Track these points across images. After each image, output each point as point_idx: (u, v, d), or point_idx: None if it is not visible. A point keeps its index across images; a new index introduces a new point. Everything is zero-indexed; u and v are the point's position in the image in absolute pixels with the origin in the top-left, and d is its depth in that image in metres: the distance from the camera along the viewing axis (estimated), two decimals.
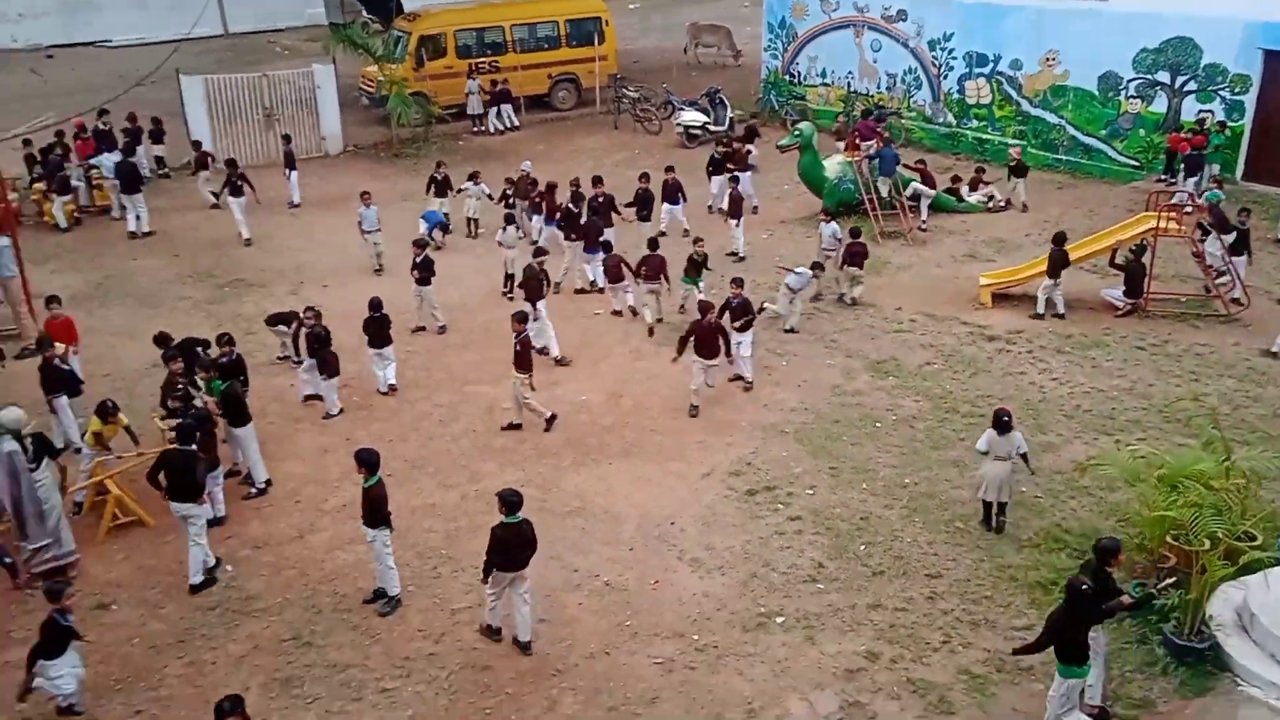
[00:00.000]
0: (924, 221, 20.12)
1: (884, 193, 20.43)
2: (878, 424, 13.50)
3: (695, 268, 16.02)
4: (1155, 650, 9.54)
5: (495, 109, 27.78)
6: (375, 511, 10.03)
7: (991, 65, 24.67)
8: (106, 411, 11.56)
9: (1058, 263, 16.26)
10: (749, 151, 22.31)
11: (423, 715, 9.10)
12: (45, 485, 10.53)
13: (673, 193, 19.32)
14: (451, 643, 9.82)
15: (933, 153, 25.04)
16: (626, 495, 12.08)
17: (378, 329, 14.18)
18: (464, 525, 11.58)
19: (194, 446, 10.52)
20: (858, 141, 21.36)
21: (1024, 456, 11.19)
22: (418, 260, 15.86)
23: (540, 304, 15.09)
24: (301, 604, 10.44)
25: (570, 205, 17.96)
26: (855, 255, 16.99)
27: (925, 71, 25.84)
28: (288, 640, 9.91)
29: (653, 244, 16.22)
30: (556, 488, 12.31)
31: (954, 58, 25.23)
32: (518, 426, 13.34)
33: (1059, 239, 16.46)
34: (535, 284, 15.11)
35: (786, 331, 15.89)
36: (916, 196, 20.48)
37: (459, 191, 20.03)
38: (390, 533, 10.19)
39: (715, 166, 21.05)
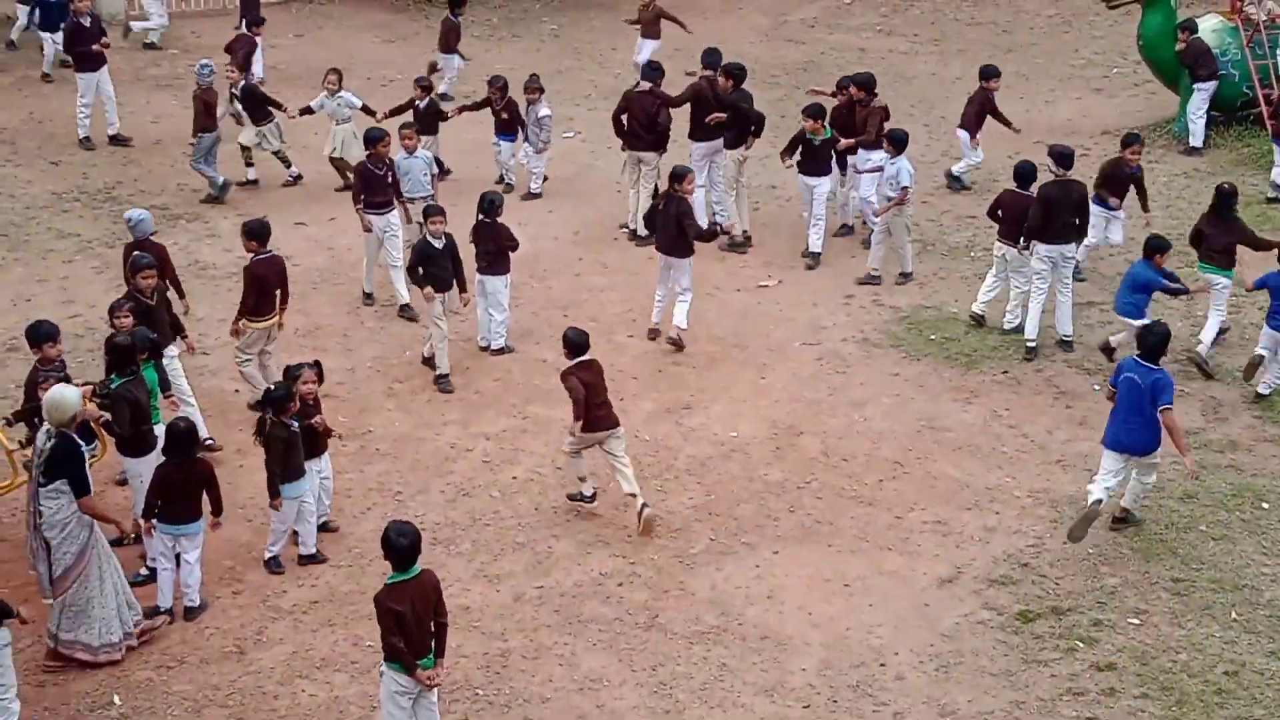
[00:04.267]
0: None
1: None
2: (1264, 504, 13.28)
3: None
4: None
5: None
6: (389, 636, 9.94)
7: None
8: None
9: None
10: None
11: None
12: (46, 518, 11.04)
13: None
14: None
15: None
16: (802, 609, 12.00)
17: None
18: (516, 646, 11.54)
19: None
20: None
21: None
22: None
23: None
24: None
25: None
26: None
27: None
28: None
29: None
30: (680, 589, 12.26)
31: None
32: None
33: None
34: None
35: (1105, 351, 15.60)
36: None
37: (301, 113, 19.76)
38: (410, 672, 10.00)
39: None
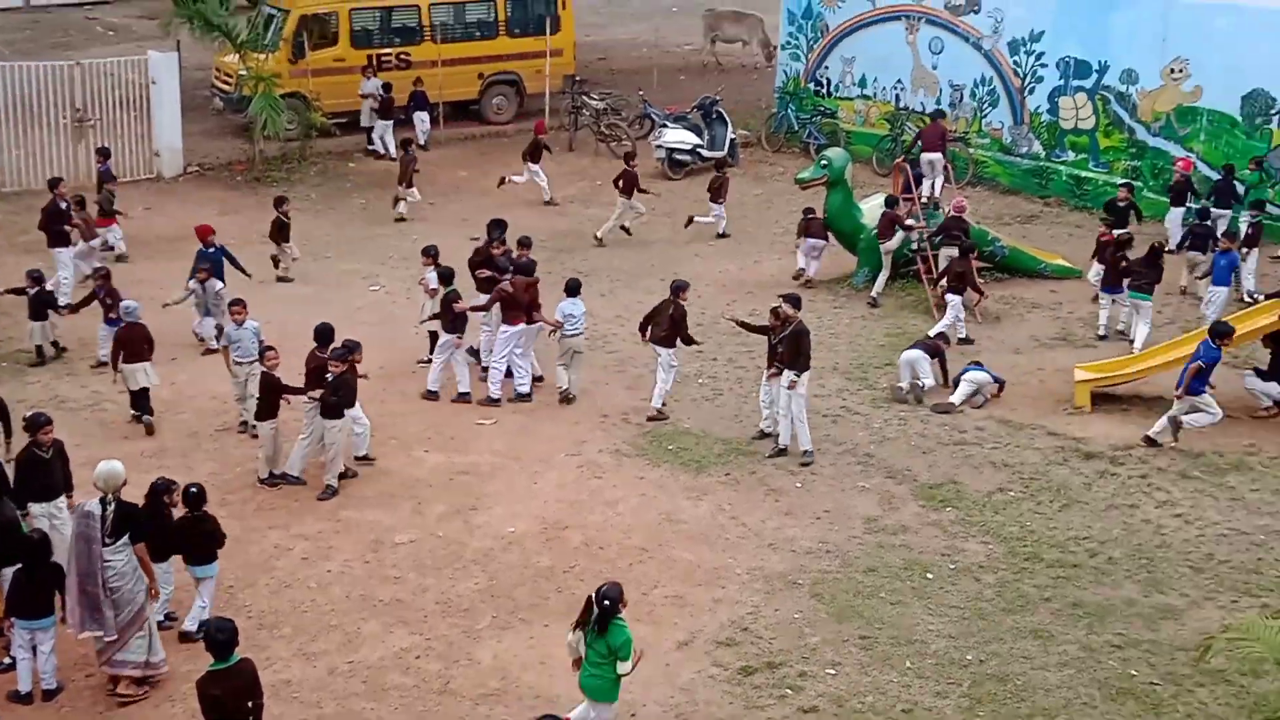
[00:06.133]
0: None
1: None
2: (929, 575, 13.80)
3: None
4: None
5: (390, 122, 28.22)
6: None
7: (1096, 77, 25.36)
8: None
9: None
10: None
11: None
12: (115, 569, 11.54)
13: None
14: None
15: (1013, 194, 26.07)
16: (568, 672, 11.76)
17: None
18: (330, 713, 11.61)
19: None
20: (907, 165, 22.50)
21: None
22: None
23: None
24: None
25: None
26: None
27: (1005, 83, 26.59)
28: None
29: None
30: (467, 659, 12.41)
31: (1044, 65, 25.94)
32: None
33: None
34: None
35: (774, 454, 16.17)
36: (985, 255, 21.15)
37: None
38: None
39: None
